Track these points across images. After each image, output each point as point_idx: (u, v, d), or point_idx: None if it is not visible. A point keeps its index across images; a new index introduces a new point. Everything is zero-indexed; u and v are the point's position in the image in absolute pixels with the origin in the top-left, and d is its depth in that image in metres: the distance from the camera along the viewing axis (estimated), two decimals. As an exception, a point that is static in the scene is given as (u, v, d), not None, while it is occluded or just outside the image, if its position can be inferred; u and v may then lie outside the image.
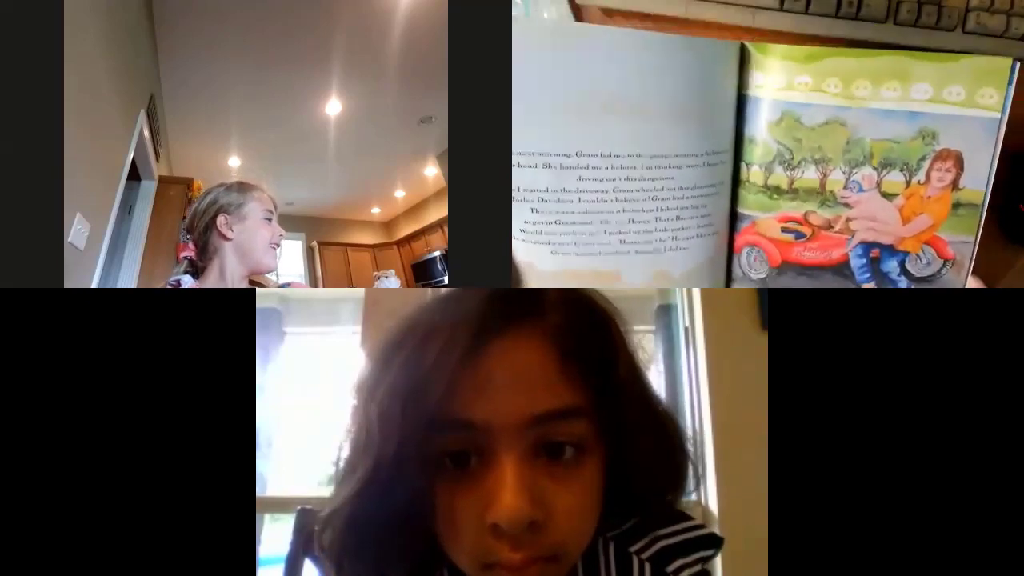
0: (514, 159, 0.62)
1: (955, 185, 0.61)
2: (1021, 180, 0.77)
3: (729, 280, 0.71)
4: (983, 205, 0.61)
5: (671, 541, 0.44)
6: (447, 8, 0.74)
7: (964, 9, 0.77)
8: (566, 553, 0.37)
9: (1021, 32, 0.77)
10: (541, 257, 0.63)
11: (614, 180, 0.62)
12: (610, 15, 0.82)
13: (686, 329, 1.52)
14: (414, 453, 0.36)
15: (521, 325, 0.38)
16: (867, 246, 0.65)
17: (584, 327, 0.40)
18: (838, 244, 0.66)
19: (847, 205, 0.64)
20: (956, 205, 0.62)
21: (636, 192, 0.63)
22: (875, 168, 0.63)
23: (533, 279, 0.64)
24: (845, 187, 0.64)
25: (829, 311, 0.59)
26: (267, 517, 1.29)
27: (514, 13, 0.71)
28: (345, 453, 0.42)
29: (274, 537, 1.23)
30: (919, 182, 0.62)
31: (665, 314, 1.56)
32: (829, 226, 0.65)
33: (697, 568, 0.44)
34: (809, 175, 0.64)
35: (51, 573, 0.54)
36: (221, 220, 0.98)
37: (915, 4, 0.77)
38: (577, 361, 0.38)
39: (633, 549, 0.43)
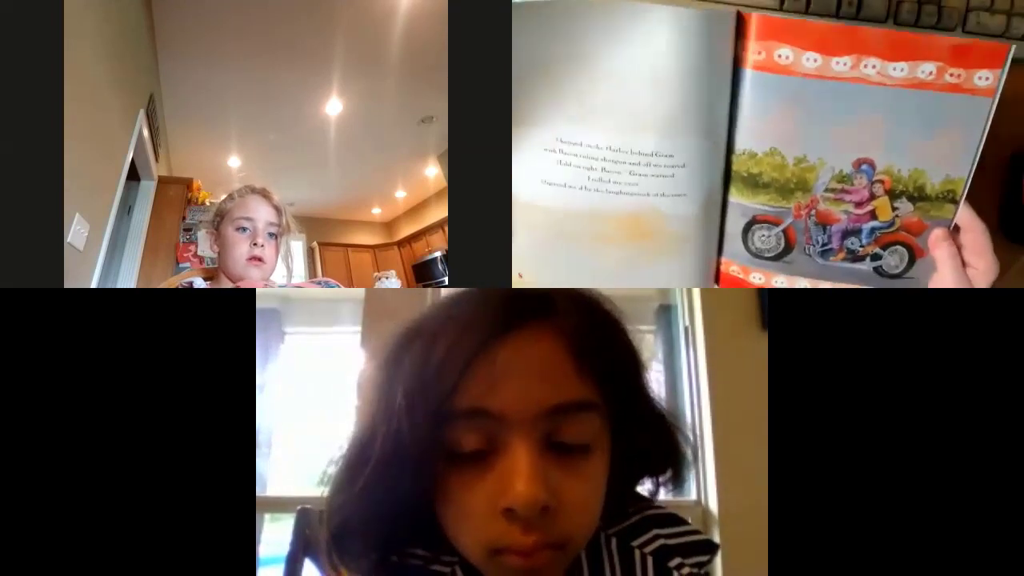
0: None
1: None
2: (1020, 180, 0.78)
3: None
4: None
5: (672, 541, 0.46)
6: (447, 8, 0.74)
7: (964, 9, 0.77)
8: (572, 542, 0.38)
9: (1021, 32, 0.77)
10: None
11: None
12: (610, 15, 0.82)
13: (686, 329, 1.52)
14: (424, 445, 0.37)
15: (534, 324, 0.39)
16: None
17: (595, 327, 0.41)
18: None
19: None
20: None
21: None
22: None
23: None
24: None
25: (829, 311, 0.59)
26: (267, 517, 1.29)
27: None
28: (347, 450, 0.42)
29: (274, 537, 1.23)
30: None
31: (665, 314, 1.56)
32: None
33: (697, 570, 0.45)
34: None
35: (50, 572, 0.54)
36: (210, 232, 1.01)
37: (915, 4, 0.77)
38: (589, 358, 0.39)
39: (635, 544, 0.45)
